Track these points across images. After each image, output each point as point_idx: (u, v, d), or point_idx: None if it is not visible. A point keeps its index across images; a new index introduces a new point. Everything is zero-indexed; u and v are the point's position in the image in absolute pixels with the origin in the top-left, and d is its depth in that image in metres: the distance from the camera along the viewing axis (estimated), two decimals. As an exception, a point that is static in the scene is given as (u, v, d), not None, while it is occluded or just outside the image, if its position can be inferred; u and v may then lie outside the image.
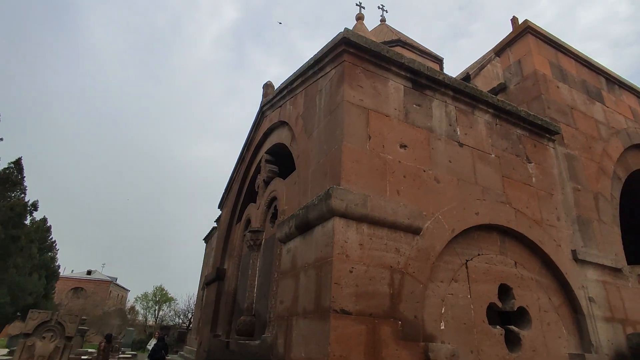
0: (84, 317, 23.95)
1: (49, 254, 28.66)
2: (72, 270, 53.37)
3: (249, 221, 6.52)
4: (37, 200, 22.58)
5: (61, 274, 36.57)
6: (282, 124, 5.64)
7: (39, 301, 26.33)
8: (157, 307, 41.71)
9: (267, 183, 6.04)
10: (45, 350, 5.41)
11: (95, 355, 12.65)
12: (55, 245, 29.91)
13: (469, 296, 3.55)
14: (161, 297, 42.02)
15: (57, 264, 30.18)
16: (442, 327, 3.29)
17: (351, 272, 2.98)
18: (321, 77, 4.31)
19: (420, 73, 4.06)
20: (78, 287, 45.57)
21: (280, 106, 5.77)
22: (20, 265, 21.52)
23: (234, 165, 8.32)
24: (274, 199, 5.52)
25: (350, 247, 3.05)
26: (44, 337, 5.48)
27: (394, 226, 3.27)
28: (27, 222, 24.65)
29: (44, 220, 29.55)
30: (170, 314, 41.51)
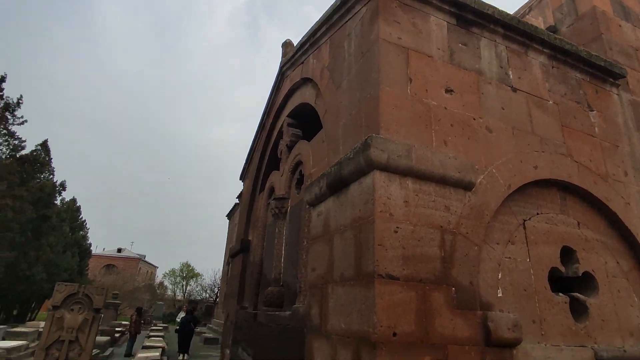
0: (116, 292, 24.89)
1: (80, 232, 29.64)
2: (104, 249, 55.64)
3: (272, 190, 6.19)
4: (65, 181, 23.12)
5: (93, 252, 38.10)
6: (305, 81, 5.18)
7: (74, 277, 27.47)
8: (184, 283, 43.15)
9: (290, 148, 5.65)
10: (74, 322, 5.32)
11: (128, 326, 12.98)
12: (86, 224, 30.85)
13: (528, 260, 3.11)
14: (188, 272, 43.35)
15: (88, 242, 31.25)
16: (500, 295, 2.88)
17: (396, 232, 2.58)
18: (349, 19, 3.79)
19: (465, 6, 3.49)
20: (110, 264, 47.51)
21: (302, 62, 5.28)
22: (53, 243, 22.29)
23: (254, 135, 7.96)
24: (298, 163, 5.13)
25: (394, 205, 2.64)
26: (72, 310, 5.39)
27: (442, 181, 2.83)
28: (57, 202, 25.39)
29: (74, 200, 30.40)
30: (197, 289, 42.89)
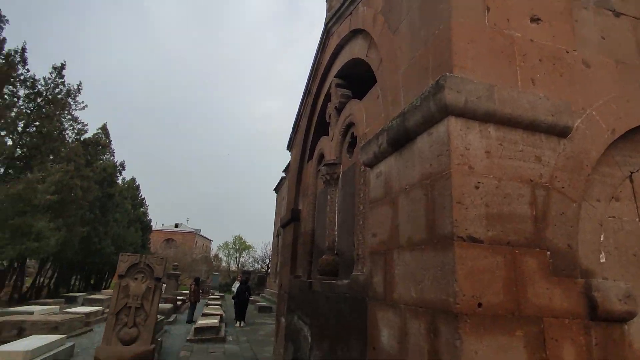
0: (176, 264, 26.58)
1: (141, 209, 31.71)
2: (163, 224, 59.59)
3: (322, 156, 5.92)
4: (124, 161, 24.58)
5: (153, 228, 40.91)
6: (354, 34, 4.73)
7: (138, 250, 29.70)
8: (237, 255, 45.29)
9: (339, 110, 5.29)
10: (138, 290, 5.51)
11: (188, 295, 13.77)
12: (145, 201, 32.92)
13: (637, 219, 2.59)
14: (240, 245, 45.35)
15: (148, 218, 33.45)
16: (603, 260, 2.42)
17: (477, 188, 2.19)
18: (407, -51, 3.27)
19: None
20: (169, 239, 50.94)
21: (350, 14, 4.82)
22: (119, 219, 24.06)
23: (299, 102, 7.67)
24: (350, 125, 4.78)
25: (474, 156, 2.23)
26: (136, 279, 5.57)
27: (531, 126, 2.36)
28: (119, 181, 27.19)
29: (133, 179, 32.38)
30: (249, 261, 44.94)
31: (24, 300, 17.28)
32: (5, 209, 12.75)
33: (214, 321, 10.77)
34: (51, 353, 6.74)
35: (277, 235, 27.55)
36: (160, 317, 10.76)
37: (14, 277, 18.34)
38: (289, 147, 8.51)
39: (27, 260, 19.28)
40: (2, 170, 14.84)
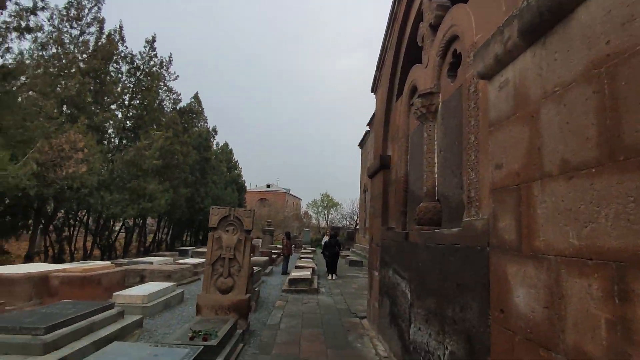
0: (269, 220, 28.20)
1: (235, 171, 33.96)
2: (256, 185, 63.83)
3: (414, 89, 5.05)
4: (215, 126, 26.10)
5: (247, 188, 43.98)
6: None
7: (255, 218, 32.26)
8: (325, 212, 46.58)
9: (435, 27, 4.32)
10: (230, 242, 5.51)
11: (281, 249, 14.36)
12: (238, 164, 35.14)
13: None
14: (328, 202, 46.43)
15: (242, 179, 35.82)
16: None
17: None
18: None
19: None
20: (262, 198, 54.47)
21: None
22: (216, 181, 26.11)
23: (383, 35, 6.72)
24: (451, 40, 3.83)
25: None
26: (227, 231, 5.55)
27: None
28: (213, 146, 29.21)
29: (226, 144, 34.55)
30: (337, 217, 46.00)
31: (147, 252, 20.01)
32: (123, 173, 14.40)
33: (307, 273, 10.98)
34: (165, 297, 7.42)
35: (363, 191, 27.23)
36: (257, 268, 11.32)
37: (139, 233, 21.26)
38: (374, 88, 7.68)
39: (147, 220, 22.10)
40: (117, 140, 16.74)
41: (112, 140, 16.42)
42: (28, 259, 12.89)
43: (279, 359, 4.78)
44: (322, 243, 14.95)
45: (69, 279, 6.78)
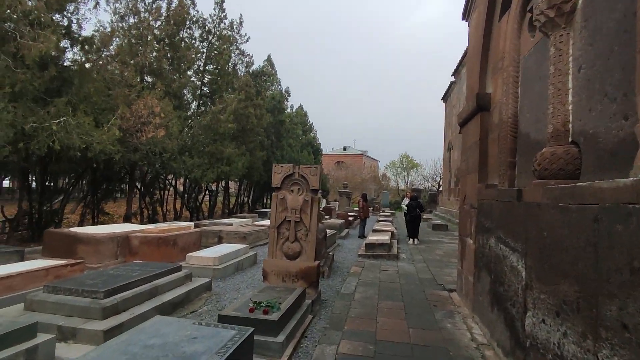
0: (346, 182, 27.71)
1: (310, 134, 33.73)
2: (332, 148, 63.63)
3: (530, -9, 3.60)
4: (288, 87, 25.66)
5: (323, 152, 43.74)
6: None
7: (322, 176, 32.27)
8: (405, 173, 44.56)
9: None
10: (295, 203, 4.89)
11: (358, 211, 13.63)
12: (313, 126, 34.80)
13: None
14: (408, 163, 44.24)
15: (318, 142, 35.54)
16: None
17: None
18: None
19: None
20: (339, 161, 54.13)
21: None
22: (292, 144, 26.09)
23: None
24: None
25: None
26: (292, 191, 4.87)
27: None
28: (288, 109, 29.06)
29: (301, 106, 34.31)
30: (418, 179, 43.74)
31: (230, 214, 20.99)
32: (201, 138, 14.75)
33: (385, 237, 10.13)
34: (236, 259, 7.22)
35: (447, 149, 24.97)
36: (332, 231, 10.80)
37: (223, 196, 22.34)
38: (465, 14, 6.13)
39: (230, 183, 23.08)
40: (194, 106, 17.19)
41: (191, 106, 16.87)
42: (127, 219, 14.12)
43: (352, 337, 4.08)
44: (402, 206, 13.86)
45: (146, 239, 6.87)
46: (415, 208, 11.74)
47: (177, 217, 17.14)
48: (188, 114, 15.98)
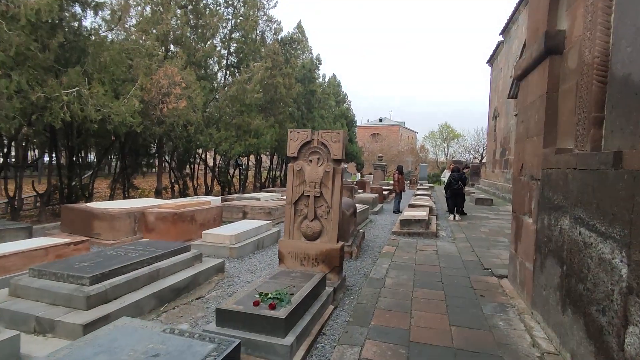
0: (381, 155, 26.53)
1: (344, 105, 32.48)
2: (368, 120, 61.74)
3: None
4: (319, 54, 24.43)
5: (358, 124, 42.24)
6: None
7: (345, 144, 31.24)
8: (445, 145, 42.29)
9: None
10: (314, 176, 4.12)
11: (393, 184, 12.68)
12: (347, 97, 33.46)
13: None
14: (448, 134, 41.87)
15: (352, 113, 34.24)
16: None
17: None
18: None
19: None
20: (374, 133, 52.41)
21: None
22: (324, 115, 25.10)
23: None
24: None
25: None
26: (310, 161, 4.09)
27: None
28: (319, 78, 27.90)
29: (334, 76, 32.98)
30: (459, 150, 41.40)
31: (262, 188, 20.70)
32: (228, 109, 14.20)
33: (422, 213, 9.20)
34: (256, 237, 6.66)
35: (493, 117, 22.98)
36: (363, 206, 10.01)
37: (255, 170, 22.05)
38: None
39: (263, 157, 22.71)
40: (220, 76, 16.61)
41: (217, 76, 16.28)
42: (157, 193, 14.09)
43: (379, 337, 3.35)
44: (442, 179, 12.72)
45: (162, 215, 6.45)
46: (457, 181, 10.62)
47: (209, 192, 17.02)
48: (214, 85, 15.42)
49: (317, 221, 4.42)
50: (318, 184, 4.35)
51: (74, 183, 10.93)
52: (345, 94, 33.41)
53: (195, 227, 6.85)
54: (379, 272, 5.32)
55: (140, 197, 13.87)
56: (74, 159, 10.98)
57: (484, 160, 36.85)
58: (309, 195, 4.40)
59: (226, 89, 14.61)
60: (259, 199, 12.21)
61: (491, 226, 9.64)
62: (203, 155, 18.11)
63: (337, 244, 4.33)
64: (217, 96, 14.82)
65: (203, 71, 14.68)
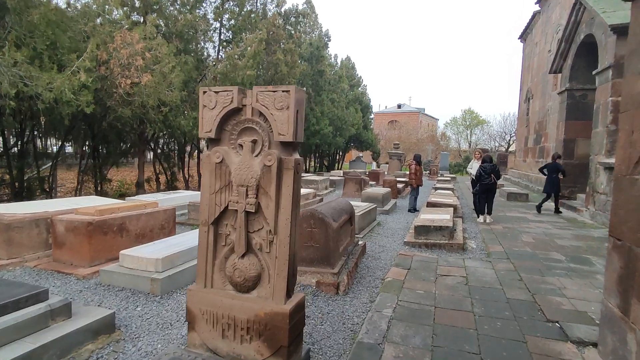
0: (396, 142, 24.18)
1: (358, 89, 30.11)
2: (385, 106, 58.87)
3: None
4: (328, 29, 22.12)
5: (375, 111, 39.78)
6: None
7: (360, 132, 28.93)
8: (468, 132, 39.29)
9: None
10: (246, 174, 2.60)
11: (408, 176, 10.50)
12: (362, 80, 31.04)
13: None
14: (472, 120, 38.83)
15: (367, 97, 31.80)
16: None
17: None
18: None
19: None
20: (392, 120, 49.64)
21: None
22: (336, 99, 22.89)
23: None
24: None
25: None
26: (240, 146, 2.00)
27: None
28: (331, 59, 25.58)
29: (348, 58, 30.61)
30: (483, 138, 38.36)
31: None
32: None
33: (445, 216, 7.06)
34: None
35: (525, 99, 20.24)
36: (368, 206, 7.94)
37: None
38: None
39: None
40: (214, 53, 14.64)
41: (208, 52, 14.31)
42: (139, 187, 12.40)
43: None
44: (469, 170, 10.45)
45: (73, 225, 4.57)
46: (489, 173, 8.38)
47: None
48: (206, 62, 13.46)
49: (253, 257, 2.41)
50: (253, 188, 2.33)
51: (28, 176, 9.28)
52: (360, 76, 31.02)
53: (127, 241, 4.97)
54: (374, 330, 3.28)
55: (116, 191, 12.20)
56: (25, 145, 9.29)
57: (510, 149, 33.87)
58: (236, 211, 2.39)
59: (216, 65, 12.63)
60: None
61: (536, 233, 7.41)
62: (197, 143, 16.34)
63: (285, 304, 2.31)
64: (206, 74, 12.88)
65: (190, 46, 12.72)
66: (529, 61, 20.18)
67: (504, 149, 34.25)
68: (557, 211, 9.92)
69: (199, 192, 9.42)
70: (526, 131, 19.79)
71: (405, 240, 6.51)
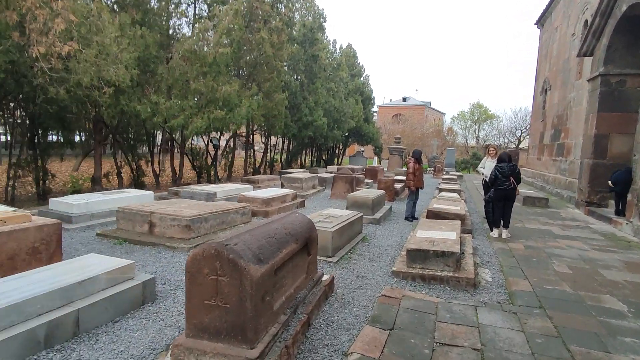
0: (398, 136, 22.27)
1: (359, 79, 28.12)
2: (390, 99, 56.71)
3: None
4: (323, 9, 20.15)
5: (380, 104, 37.71)
6: None
7: (361, 124, 26.97)
8: (476, 127, 37.21)
9: None
10: None
11: (406, 175, 8.65)
12: (364, 70, 29.04)
13: None
14: (480, 114, 36.71)
15: (369, 88, 29.81)
16: None
17: None
18: None
19: None
20: (397, 114, 47.53)
21: None
22: (334, 89, 21.00)
23: None
24: None
25: None
26: None
27: None
28: (330, 45, 23.64)
29: (350, 46, 28.64)
30: (492, 133, 36.28)
31: (255, 174, 17.15)
32: (183, 70, 10.40)
33: (449, 236, 5.25)
34: (59, 312, 2.95)
35: (541, 91, 18.20)
36: (354, 215, 6.13)
37: (246, 152, 18.42)
38: None
39: (253, 136, 19.04)
40: (189, 30, 12.78)
41: (180, 28, 12.44)
42: (95, 182, 10.69)
43: None
44: (481, 169, 8.56)
45: None
46: (507, 176, 6.53)
47: (177, 179, 13.54)
48: (174, 38, 11.62)
49: None
50: None
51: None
52: (362, 66, 28.99)
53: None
54: None
55: (62, 189, 10.49)
56: None
57: (522, 145, 31.86)
58: None
59: (182, 42, 10.78)
60: (215, 193, 8.58)
61: (570, 257, 5.57)
62: (178, 135, 14.61)
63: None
64: (173, 53, 11.05)
65: (156, 18, 10.85)
66: (546, 48, 18.10)
67: (514, 146, 32.20)
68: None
69: (149, 192, 7.57)
70: (542, 126, 17.79)
71: (393, 268, 4.71)
